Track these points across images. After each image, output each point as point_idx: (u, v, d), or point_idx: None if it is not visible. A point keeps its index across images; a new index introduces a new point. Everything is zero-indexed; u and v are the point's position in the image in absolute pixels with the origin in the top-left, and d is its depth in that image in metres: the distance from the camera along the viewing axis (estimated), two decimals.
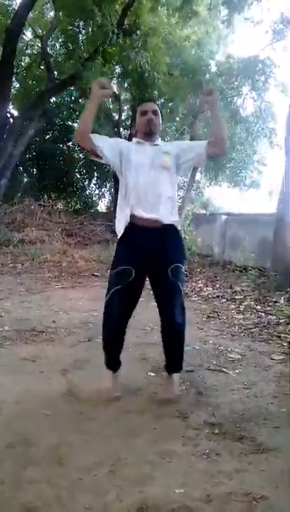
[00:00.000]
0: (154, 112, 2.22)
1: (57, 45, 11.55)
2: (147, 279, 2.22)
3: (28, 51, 11.92)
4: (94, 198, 14.37)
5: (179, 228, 2.22)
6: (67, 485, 1.46)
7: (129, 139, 2.66)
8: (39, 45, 10.77)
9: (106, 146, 2.16)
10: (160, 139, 2.32)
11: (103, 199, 14.47)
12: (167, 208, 2.14)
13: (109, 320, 2.18)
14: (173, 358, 2.25)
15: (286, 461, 1.66)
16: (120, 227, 2.18)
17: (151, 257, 2.09)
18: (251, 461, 1.65)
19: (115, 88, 11.34)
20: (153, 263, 2.11)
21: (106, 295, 2.16)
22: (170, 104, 9.71)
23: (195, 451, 1.71)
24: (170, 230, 2.15)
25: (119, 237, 2.20)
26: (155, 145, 2.23)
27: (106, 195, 14.43)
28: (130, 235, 2.13)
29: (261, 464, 1.63)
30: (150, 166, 2.15)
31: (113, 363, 2.23)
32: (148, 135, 2.23)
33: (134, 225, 2.12)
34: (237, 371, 2.65)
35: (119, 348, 2.23)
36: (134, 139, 2.30)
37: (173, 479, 1.51)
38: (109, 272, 2.24)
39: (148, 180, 2.12)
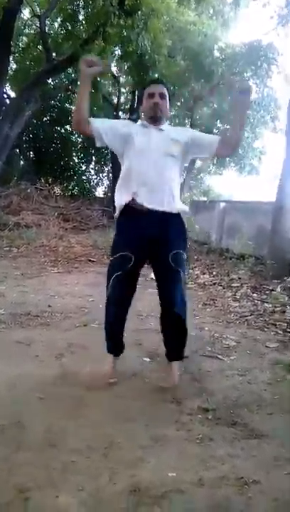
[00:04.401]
0: (161, 96, 2.09)
1: (56, 24, 11.26)
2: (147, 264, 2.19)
3: (26, 30, 11.63)
4: (91, 183, 14.26)
5: (186, 215, 2.14)
6: (60, 467, 1.46)
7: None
8: (37, 24, 10.47)
9: (107, 130, 2.07)
10: (167, 123, 2.22)
11: (101, 184, 14.38)
12: (171, 197, 2.06)
13: (111, 305, 2.15)
14: (172, 346, 2.23)
15: (277, 446, 1.67)
16: (118, 212, 2.12)
17: (151, 244, 2.03)
18: (244, 446, 1.66)
19: (114, 69, 11.10)
20: (154, 249, 2.05)
21: (108, 280, 2.12)
22: (171, 88, 9.54)
23: (188, 436, 1.72)
24: (174, 218, 2.07)
25: (117, 221, 2.13)
26: (161, 129, 2.11)
27: (104, 180, 14.33)
28: (129, 219, 2.06)
29: (253, 449, 1.65)
30: (155, 151, 2.03)
31: (115, 346, 2.23)
32: (154, 120, 2.10)
33: (135, 211, 2.04)
34: (231, 358, 2.66)
35: (120, 332, 2.22)
36: (139, 121, 2.19)
37: (165, 463, 1.52)
38: (109, 258, 2.19)
39: (153, 166, 2.02)
